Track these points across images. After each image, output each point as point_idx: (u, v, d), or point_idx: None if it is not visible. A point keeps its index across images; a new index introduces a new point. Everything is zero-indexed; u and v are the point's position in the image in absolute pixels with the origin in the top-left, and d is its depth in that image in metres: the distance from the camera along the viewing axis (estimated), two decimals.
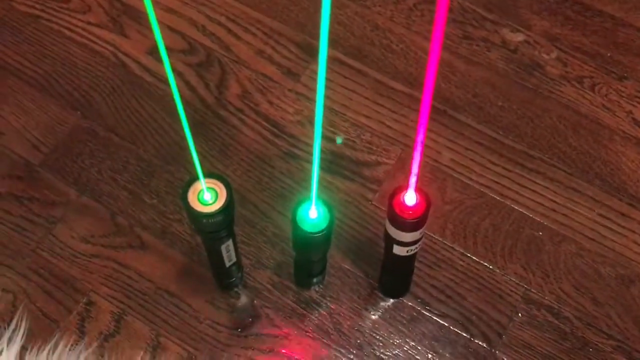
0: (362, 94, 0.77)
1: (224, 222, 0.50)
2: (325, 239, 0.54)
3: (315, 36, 0.80)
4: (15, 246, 0.67)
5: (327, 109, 0.75)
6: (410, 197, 0.52)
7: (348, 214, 0.70)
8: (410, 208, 0.52)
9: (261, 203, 0.70)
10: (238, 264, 0.62)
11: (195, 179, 0.49)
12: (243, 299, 0.65)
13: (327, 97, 0.76)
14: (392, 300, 0.66)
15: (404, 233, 0.54)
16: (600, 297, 0.66)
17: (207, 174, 0.49)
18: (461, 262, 0.68)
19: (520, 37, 0.80)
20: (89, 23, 0.80)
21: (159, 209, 0.69)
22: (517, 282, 0.67)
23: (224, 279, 0.63)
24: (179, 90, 0.76)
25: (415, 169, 0.51)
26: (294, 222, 0.53)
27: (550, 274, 0.67)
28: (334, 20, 0.81)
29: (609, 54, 0.80)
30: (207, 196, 0.49)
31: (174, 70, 0.77)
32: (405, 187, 0.53)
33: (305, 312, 0.65)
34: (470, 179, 0.72)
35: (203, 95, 0.76)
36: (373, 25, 0.81)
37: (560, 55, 0.79)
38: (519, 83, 0.78)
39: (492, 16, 0.82)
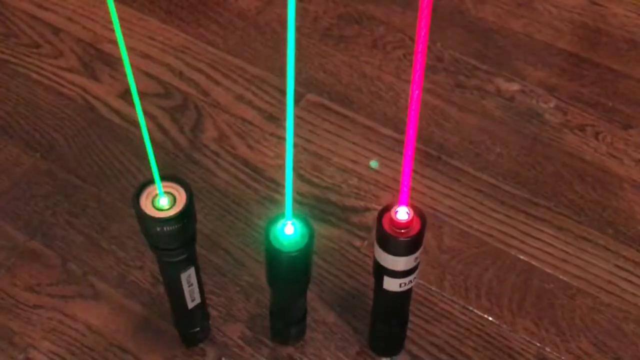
0: (348, 138, 0.71)
1: (181, 233, 0.42)
2: (305, 260, 0.46)
3: (301, 83, 0.75)
4: None
5: (311, 153, 0.69)
6: (402, 213, 0.45)
7: (333, 263, 0.61)
8: (403, 225, 0.45)
9: (234, 249, 0.62)
10: (203, 310, 0.53)
11: (150, 181, 0.42)
12: (209, 356, 0.55)
13: (310, 141, 0.70)
14: (384, 359, 0.56)
15: (397, 258, 0.46)
16: (626, 356, 0.57)
17: (165, 177, 0.42)
18: (463, 317, 0.59)
19: (515, 87, 0.76)
20: (59, 67, 0.75)
21: (117, 255, 0.61)
22: (528, 339, 0.58)
23: (187, 327, 0.54)
24: (151, 134, 0.70)
25: (406, 179, 0.44)
26: (267, 239, 0.45)
27: (566, 330, 0.58)
28: (320, 68, 0.77)
29: (610, 104, 0.75)
30: (163, 201, 0.42)
31: (146, 113, 0.71)
32: (395, 204, 0.45)
33: None
34: (470, 227, 0.64)
35: (176, 138, 0.70)
36: (361, 74, 0.77)
37: (559, 104, 0.75)
38: (518, 131, 0.72)
39: (485, 66, 0.78)
